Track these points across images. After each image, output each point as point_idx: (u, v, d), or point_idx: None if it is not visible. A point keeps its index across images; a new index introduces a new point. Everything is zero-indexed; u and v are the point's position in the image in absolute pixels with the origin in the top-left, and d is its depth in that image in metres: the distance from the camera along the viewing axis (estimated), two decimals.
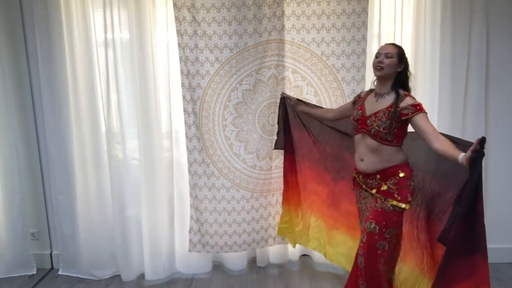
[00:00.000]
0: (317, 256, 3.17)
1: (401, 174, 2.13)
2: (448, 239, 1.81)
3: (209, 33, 2.76)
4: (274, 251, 3.19)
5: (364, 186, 2.25)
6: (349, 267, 2.43)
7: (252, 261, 3.23)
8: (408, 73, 2.18)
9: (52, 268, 3.26)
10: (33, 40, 2.92)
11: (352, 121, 2.25)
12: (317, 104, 2.85)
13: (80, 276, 3.10)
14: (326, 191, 2.81)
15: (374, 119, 2.12)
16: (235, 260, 3.14)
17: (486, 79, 2.98)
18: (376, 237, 2.11)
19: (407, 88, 2.17)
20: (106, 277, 3.09)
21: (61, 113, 2.94)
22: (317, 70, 2.85)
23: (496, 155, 3.09)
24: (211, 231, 2.97)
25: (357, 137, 2.22)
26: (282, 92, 2.84)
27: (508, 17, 2.96)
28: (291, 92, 2.88)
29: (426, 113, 2.09)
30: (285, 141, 2.87)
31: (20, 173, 3.06)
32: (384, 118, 2.09)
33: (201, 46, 2.77)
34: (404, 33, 2.89)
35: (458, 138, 2.13)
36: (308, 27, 2.79)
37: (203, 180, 2.92)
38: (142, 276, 3.08)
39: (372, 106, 2.18)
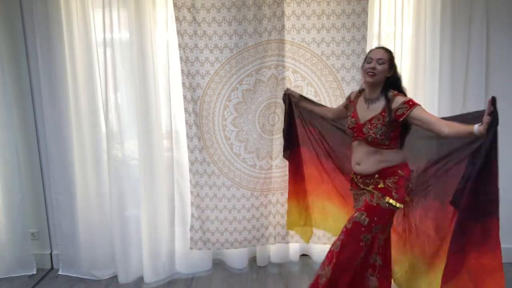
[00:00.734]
0: (317, 256, 3.17)
1: (401, 173, 2.13)
2: (461, 201, 1.79)
3: (209, 33, 2.76)
4: (274, 251, 3.20)
5: (361, 186, 2.24)
6: None
7: (252, 261, 3.24)
8: (398, 75, 2.18)
9: (52, 268, 3.26)
10: (33, 40, 2.92)
11: (347, 129, 2.26)
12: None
13: (80, 276, 3.10)
14: (337, 180, 2.72)
15: (369, 126, 2.11)
16: (236, 258, 3.14)
17: (486, 79, 2.97)
18: (362, 228, 2.10)
19: (400, 91, 2.17)
20: (106, 277, 3.09)
21: (61, 113, 2.94)
22: (317, 70, 2.85)
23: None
24: (212, 228, 2.98)
25: (355, 143, 2.23)
26: (286, 88, 2.80)
27: (508, 17, 2.96)
28: None
29: (420, 105, 2.09)
30: (291, 136, 2.82)
31: (20, 173, 3.06)
32: (380, 125, 2.09)
33: (201, 46, 2.78)
34: (404, 33, 2.89)
35: (459, 115, 2.17)
36: (308, 27, 2.79)
37: (204, 178, 2.92)
38: (141, 278, 3.06)
39: (364, 112, 2.17)
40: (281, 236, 3.07)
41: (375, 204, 2.13)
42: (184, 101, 2.83)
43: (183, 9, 2.73)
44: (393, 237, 2.35)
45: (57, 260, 3.22)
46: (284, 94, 2.79)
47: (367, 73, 2.10)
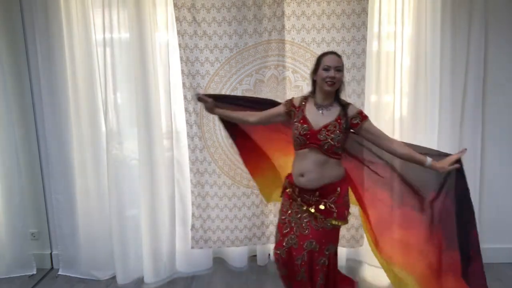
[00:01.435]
0: None
1: (339, 191, 2.14)
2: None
3: (209, 33, 2.76)
4: None
5: (299, 200, 2.18)
6: None
7: (253, 260, 3.24)
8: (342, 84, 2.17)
9: (52, 268, 3.26)
10: (33, 40, 2.93)
11: (297, 136, 2.10)
12: None
13: (80, 277, 3.10)
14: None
15: (326, 133, 2.05)
16: (236, 257, 3.15)
17: (486, 79, 2.98)
18: (316, 254, 2.14)
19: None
20: (106, 277, 3.09)
21: (61, 113, 2.94)
22: None
23: (494, 155, 3.10)
24: (213, 226, 2.98)
25: (302, 152, 2.11)
26: (197, 93, 2.52)
27: (507, 17, 2.97)
28: (292, 92, 2.87)
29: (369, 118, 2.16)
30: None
31: (20, 173, 3.06)
32: (338, 132, 2.06)
33: (201, 46, 2.78)
34: (404, 32, 2.88)
35: (416, 146, 2.24)
36: (308, 27, 2.79)
37: (204, 177, 2.92)
38: (140, 279, 3.06)
39: (317, 118, 2.09)
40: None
41: (320, 229, 2.13)
42: (185, 101, 2.83)
43: (183, 9, 2.73)
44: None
45: (57, 260, 3.22)
46: (198, 99, 2.47)
47: (326, 82, 2.05)
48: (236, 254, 3.14)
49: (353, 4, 2.74)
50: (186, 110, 2.84)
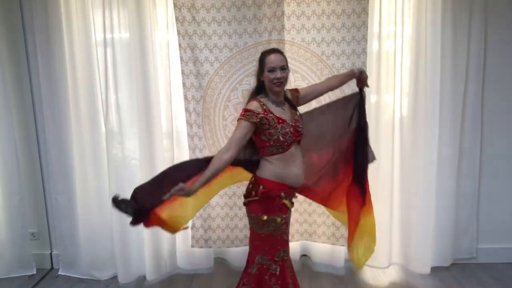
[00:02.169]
0: (317, 256, 3.18)
1: None
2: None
3: (209, 32, 2.76)
4: None
5: (290, 204, 2.13)
6: None
7: None
8: None
9: (52, 268, 3.26)
10: (33, 40, 2.93)
11: (289, 134, 2.02)
12: (317, 104, 2.79)
13: (80, 277, 3.10)
14: None
15: (299, 124, 2.09)
16: (237, 257, 3.13)
17: (484, 78, 2.99)
18: None
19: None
20: (106, 277, 3.09)
21: (60, 113, 2.94)
22: (317, 70, 2.85)
23: (494, 155, 3.10)
24: (214, 225, 2.99)
25: (291, 150, 2.05)
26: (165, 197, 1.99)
27: (507, 17, 2.97)
28: None
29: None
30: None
31: (20, 173, 3.06)
32: (301, 121, 2.13)
33: (200, 46, 2.78)
34: (404, 32, 2.88)
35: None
36: (308, 27, 2.79)
37: None
38: (141, 277, 3.07)
39: (285, 115, 2.07)
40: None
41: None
42: (185, 101, 2.83)
43: (183, 9, 2.73)
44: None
45: (57, 260, 3.22)
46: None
47: (274, 83, 2.01)
48: (238, 255, 3.12)
49: (353, 4, 2.74)
50: (186, 110, 2.84)
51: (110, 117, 2.90)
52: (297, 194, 2.28)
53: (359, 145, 2.32)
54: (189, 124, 2.86)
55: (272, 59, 2.02)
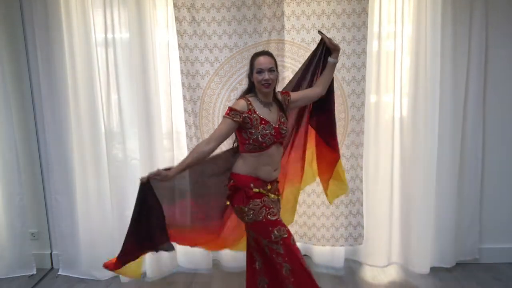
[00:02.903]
0: (318, 256, 3.18)
1: None
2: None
3: (209, 33, 2.76)
4: None
5: (270, 195, 2.24)
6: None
7: None
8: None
9: (52, 268, 3.27)
10: (33, 40, 2.93)
11: (268, 138, 2.11)
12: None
13: (80, 277, 3.10)
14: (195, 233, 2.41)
15: (283, 126, 2.19)
16: (235, 259, 3.13)
17: (486, 78, 2.98)
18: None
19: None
20: (106, 277, 3.08)
21: (61, 113, 2.94)
22: None
23: (494, 155, 3.09)
24: None
25: (270, 150, 2.16)
26: (141, 177, 2.15)
27: (508, 16, 2.96)
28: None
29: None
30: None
31: (20, 173, 3.06)
32: (286, 123, 2.24)
33: (200, 46, 2.78)
34: (404, 32, 2.88)
35: (307, 61, 2.51)
36: (308, 27, 2.79)
37: None
38: (142, 276, 3.06)
39: (270, 116, 2.16)
40: None
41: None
42: (184, 101, 2.83)
43: (183, 9, 2.73)
44: None
45: (57, 260, 3.22)
46: (142, 185, 2.14)
47: (263, 84, 2.11)
48: (236, 258, 3.06)
49: (353, 4, 2.74)
50: (185, 110, 2.84)
51: (110, 117, 2.90)
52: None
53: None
54: (188, 124, 2.86)
55: (261, 61, 2.12)
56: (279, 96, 2.28)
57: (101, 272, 3.08)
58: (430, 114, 2.91)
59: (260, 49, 2.77)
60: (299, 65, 2.83)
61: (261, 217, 2.14)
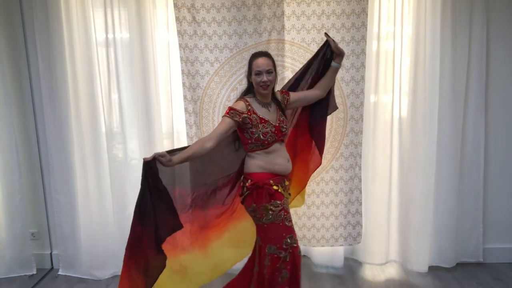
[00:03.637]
0: (317, 257, 3.18)
1: None
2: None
3: (209, 33, 2.77)
4: None
5: (287, 194, 2.27)
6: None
7: None
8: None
9: (52, 268, 3.27)
10: (33, 40, 2.93)
11: (269, 134, 2.14)
12: None
13: (80, 276, 3.10)
14: (196, 224, 2.41)
15: (283, 125, 2.22)
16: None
17: (486, 79, 2.98)
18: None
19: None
20: (106, 277, 3.09)
21: (61, 113, 2.95)
22: None
23: (495, 156, 3.09)
24: None
25: (274, 147, 2.19)
26: (143, 158, 2.06)
27: (508, 16, 2.96)
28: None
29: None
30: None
31: (20, 173, 3.06)
32: (286, 120, 2.27)
33: (200, 46, 2.78)
34: (404, 32, 2.89)
35: (307, 63, 2.51)
36: (308, 27, 2.79)
37: None
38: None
39: (269, 116, 2.20)
40: None
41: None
42: (184, 101, 2.84)
43: (183, 9, 2.74)
44: None
45: (57, 260, 3.22)
46: (147, 165, 2.04)
47: (261, 86, 2.14)
48: None
49: (352, 5, 2.75)
50: (186, 110, 2.85)
51: (110, 117, 2.91)
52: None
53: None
54: (188, 124, 2.86)
55: (259, 63, 2.14)
56: (278, 96, 2.31)
57: (101, 271, 3.09)
58: (429, 114, 2.92)
59: (260, 49, 2.78)
60: (299, 65, 2.85)
61: (279, 220, 2.15)
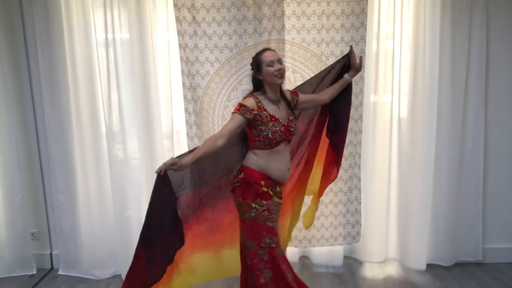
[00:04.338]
0: (317, 257, 3.19)
1: None
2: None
3: (209, 33, 2.77)
4: None
5: (275, 198, 2.20)
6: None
7: None
8: None
9: (52, 268, 3.27)
10: (33, 40, 2.94)
11: (278, 133, 2.11)
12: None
13: (80, 276, 3.11)
14: (207, 224, 2.41)
15: (292, 124, 2.19)
16: None
17: (486, 79, 2.98)
18: None
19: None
20: (106, 276, 3.09)
21: (61, 113, 2.95)
22: (317, 71, 2.83)
23: (495, 155, 3.10)
24: None
25: (279, 148, 2.15)
26: (156, 172, 2.03)
27: (508, 16, 2.97)
28: None
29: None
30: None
31: (20, 173, 3.06)
32: (294, 120, 2.23)
33: (201, 46, 2.79)
34: (403, 33, 2.90)
35: (322, 71, 2.50)
36: (309, 27, 2.80)
37: None
38: None
39: (279, 113, 2.15)
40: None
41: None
42: (185, 101, 2.84)
43: (183, 9, 2.74)
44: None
45: (57, 260, 3.22)
46: (160, 178, 2.02)
47: (276, 75, 2.10)
48: None
49: (352, 5, 2.75)
50: (186, 110, 2.85)
51: (110, 117, 2.91)
52: None
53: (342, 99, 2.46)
54: (188, 124, 2.87)
55: (268, 54, 2.14)
56: (288, 95, 2.28)
57: (101, 271, 3.09)
58: (429, 114, 2.92)
59: (260, 49, 2.78)
60: (300, 65, 2.87)
61: (261, 219, 2.14)
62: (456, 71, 2.91)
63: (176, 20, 2.76)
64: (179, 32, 2.77)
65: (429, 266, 3.09)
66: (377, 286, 2.93)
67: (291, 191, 2.54)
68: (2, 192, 3.08)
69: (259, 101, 2.12)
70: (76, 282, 3.06)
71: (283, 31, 2.80)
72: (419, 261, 3.06)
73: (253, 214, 2.14)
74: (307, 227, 2.73)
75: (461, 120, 2.97)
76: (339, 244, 3.05)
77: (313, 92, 2.45)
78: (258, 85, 2.18)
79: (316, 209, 2.69)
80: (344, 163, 2.91)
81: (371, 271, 3.10)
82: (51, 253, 3.27)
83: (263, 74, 2.13)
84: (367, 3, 2.77)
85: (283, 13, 2.77)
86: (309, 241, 3.06)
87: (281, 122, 2.12)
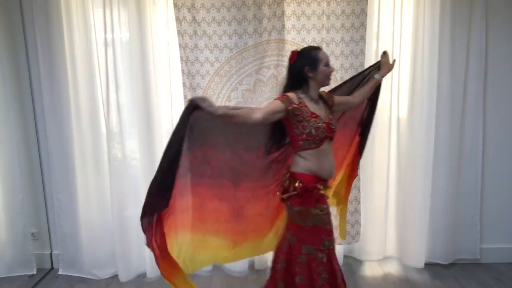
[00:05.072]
0: None
1: None
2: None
3: (209, 33, 2.77)
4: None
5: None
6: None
7: (251, 264, 3.21)
8: None
9: (52, 268, 3.27)
10: (33, 40, 2.93)
11: (321, 129, 2.05)
12: None
13: (80, 276, 3.11)
14: (227, 205, 2.35)
15: (333, 122, 2.13)
16: (236, 262, 3.10)
17: (485, 79, 2.99)
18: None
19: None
20: (107, 276, 3.09)
21: (61, 113, 2.95)
22: None
23: (494, 155, 3.10)
24: None
25: (323, 147, 2.09)
26: (190, 99, 2.07)
27: (508, 16, 2.97)
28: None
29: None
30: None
31: (20, 173, 3.06)
32: (334, 119, 2.22)
33: (201, 46, 2.79)
34: (403, 33, 2.90)
35: (355, 76, 2.49)
36: (309, 27, 2.80)
37: None
38: (142, 275, 3.09)
39: (319, 111, 2.11)
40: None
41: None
42: (185, 101, 2.84)
43: (183, 9, 2.74)
44: None
45: (57, 260, 3.22)
46: (190, 104, 2.04)
47: (329, 77, 2.11)
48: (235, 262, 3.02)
49: (352, 5, 2.76)
50: None
51: (110, 117, 2.91)
52: None
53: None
54: None
55: (325, 54, 2.10)
56: (324, 95, 2.24)
57: (101, 271, 3.09)
58: (427, 114, 2.93)
59: (260, 49, 2.80)
60: None
61: (322, 224, 2.13)
62: (455, 71, 2.91)
63: (176, 20, 2.76)
64: (179, 32, 2.77)
65: (428, 264, 3.10)
66: (376, 284, 2.94)
67: None
68: (3, 192, 3.08)
69: (300, 98, 2.06)
70: (76, 282, 3.06)
71: (283, 31, 2.80)
72: (418, 260, 3.08)
73: (315, 219, 2.10)
74: (344, 237, 2.71)
75: (459, 120, 2.98)
76: (339, 244, 3.05)
77: (346, 94, 2.40)
78: (300, 81, 2.09)
79: (345, 216, 2.67)
80: None
81: (370, 269, 3.12)
82: (51, 253, 3.27)
83: (318, 72, 2.06)
84: (367, 3, 2.78)
85: (283, 13, 2.77)
86: None
87: (322, 119, 2.08)
